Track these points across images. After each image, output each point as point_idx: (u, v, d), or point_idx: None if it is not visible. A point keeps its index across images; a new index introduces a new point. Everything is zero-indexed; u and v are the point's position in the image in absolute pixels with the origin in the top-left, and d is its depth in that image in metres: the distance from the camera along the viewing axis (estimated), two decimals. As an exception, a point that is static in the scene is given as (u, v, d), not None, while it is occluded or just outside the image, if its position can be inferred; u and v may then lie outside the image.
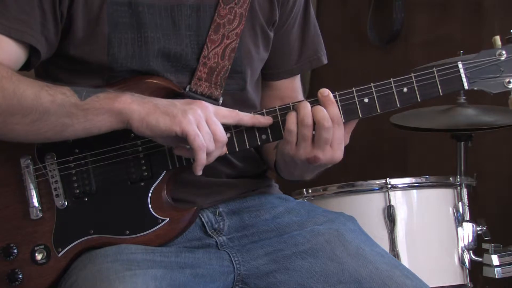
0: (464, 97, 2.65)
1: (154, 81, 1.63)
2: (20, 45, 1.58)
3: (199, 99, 1.63)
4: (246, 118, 1.57)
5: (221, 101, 1.67)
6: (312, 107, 1.54)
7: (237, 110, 1.58)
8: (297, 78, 1.89)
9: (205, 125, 1.50)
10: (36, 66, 1.66)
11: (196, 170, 1.52)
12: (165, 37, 1.64)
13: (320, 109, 1.53)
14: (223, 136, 1.53)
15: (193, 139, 1.48)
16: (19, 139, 1.57)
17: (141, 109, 1.50)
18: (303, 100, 1.57)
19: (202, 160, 1.50)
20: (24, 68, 1.63)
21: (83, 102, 1.51)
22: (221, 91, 1.67)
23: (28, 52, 1.60)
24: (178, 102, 1.53)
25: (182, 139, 1.50)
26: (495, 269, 2.45)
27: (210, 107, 1.53)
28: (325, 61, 1.87)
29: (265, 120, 1.58)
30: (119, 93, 1.52)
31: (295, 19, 1.82)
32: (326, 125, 1.52)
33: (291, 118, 1.54)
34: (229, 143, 1.57)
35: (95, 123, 1.52)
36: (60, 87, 1.53)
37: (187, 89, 1.66)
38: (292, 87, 1.88)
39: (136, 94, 1.53)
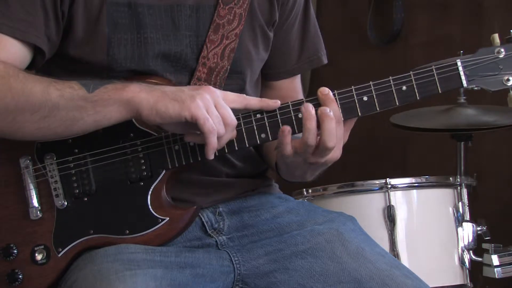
0: (464, 97, 2.65)
1: (153, 81, 1.63)
2: (24, 45, 1.59)
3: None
4: (253, 101, 1.57)
5: (220, 101, 1.67)
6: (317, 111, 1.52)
7: (244, 95, 1.57)
8: (297, 78, 1.89)
9: (214, 109, 1.49)
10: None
11: (208, 154, 1.51)
12: (165, 38, 1.65)
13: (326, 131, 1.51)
14: (233, 119, 1.52)
15: (203, 123, 1.48)
16: (28, 137, 1.57)
17: (150, 97, 1.49)
18: (302, 101, 1.57)
19: (213, 143, 1.50)
20: (28, 69, 1.63)
21: (91, 94, 1.50)
22: (220, 91, 1.67)
23: (32, 53, 1.61)
24: (185, 88, 1.52)
25: (192, 125, 1.49)
26: (495, 269, 2.45)
27: (218, 91, 1.52)
28: (325, 61, 1.87)
29: (273, 103, 1.57)
30: (126, 83, 1.52)
31: (295, 19, 1.82)
32: (330, 146, 1.52)
33: (313, 134, 1.52)
34: (229, 142, 1.57)
35: (104, 114, 1.51)
36: (68, 82, 1.52)
37: (187, 89, 1.66)
38: (292, 87, 1.88)
39: (143, 84, 1.53)
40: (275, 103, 1.57)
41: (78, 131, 1.55)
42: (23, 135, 1.55)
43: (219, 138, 1.50)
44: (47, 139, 1.59)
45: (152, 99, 1.49)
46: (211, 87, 1.52)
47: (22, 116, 1.51)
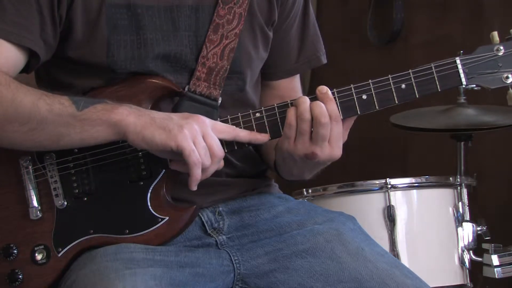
0: (464, 97, 2.65)
1: (154, 80, 1.64)
2: (19, 49, 1.59)
3: (198, 99, 1.64)
4: (243, 134, 1.58)
5: (220, 101, 1.67)
6: (311, 102, 1.54)
7: (234, 126, 1.58)
8: (297, 78, 1.89)
9: (201, 140, 1.51)
10: (37, 68, 1.66)
11: (191, 185, 1.53)
12: (164, 38, 1.65)
13: (318, 104, 1.53)
14: (220, 151, 1.53)
15: (188, 154, 1.49)
16: (14, 147, 1.57)
17: (138, 122, 1.50)
18: (302, 96, 1.57)
19: (197, 175, 1.51)
20: (23, 71, 1.64)
21: (80, 112, 1.52)
22: (220, 91, 1.67)
23: (27, 56, 1.61)
24: (175, 116, 1.53)
25: (179, 154, 1.50)
26: (495, 269, 2.45)
27: (207, 121, 1.54)
28: (324, 61, 1.87)
29: (262, 137, 1.58)
30: (116, 105, 1.53)
31: (294, 19, 1.82)
32: (323, 121, 1.52)
33: (291, 112, 1.55)
34: (228, 141, 1.57)
35: (91, 134, 1.52)
36: (59, 97, 1.53)
37: (186, 89, 1.66)
38: (292, 87, 1.87)
39: (133, 106, 1.54)
40: (265, 137, 1.58)
41: (65, 146, 1.56)
42: (10, 144, 1.56)
43: (204, 169, 1.51)
44: (34, 150, 1.60)
45: (140, 124, 1.50)
46: (201, 117, 1.53)
47: (10, 126, 1.52)
